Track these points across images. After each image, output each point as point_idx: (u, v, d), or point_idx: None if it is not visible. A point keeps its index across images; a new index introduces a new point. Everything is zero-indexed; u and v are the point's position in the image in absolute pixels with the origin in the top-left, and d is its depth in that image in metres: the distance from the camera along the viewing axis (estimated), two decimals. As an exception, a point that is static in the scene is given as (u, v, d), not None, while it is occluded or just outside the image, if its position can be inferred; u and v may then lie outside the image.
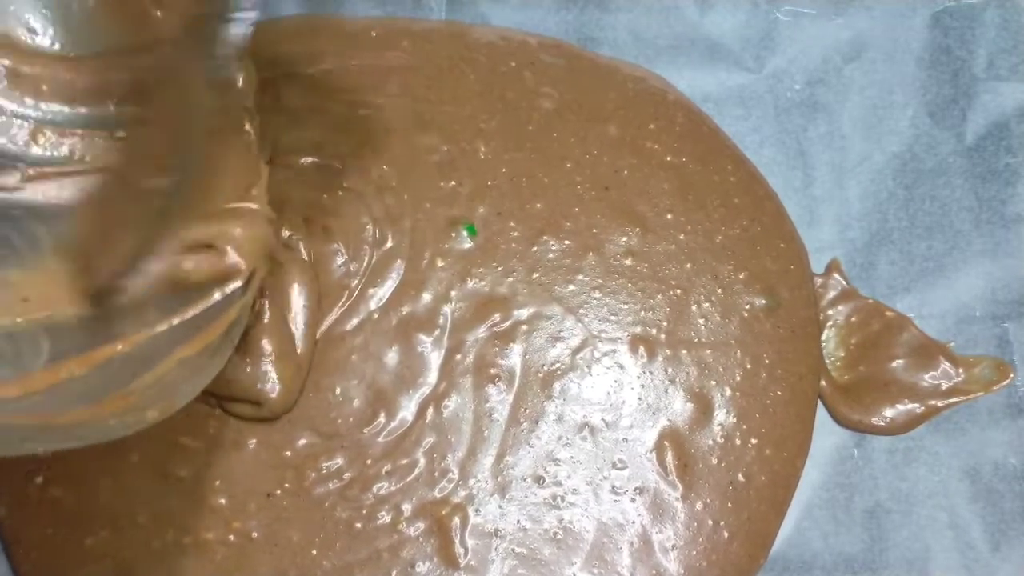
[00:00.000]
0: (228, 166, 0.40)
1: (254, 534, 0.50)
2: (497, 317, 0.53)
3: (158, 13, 0.40)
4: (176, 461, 0.50)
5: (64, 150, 0.38)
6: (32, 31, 0.39)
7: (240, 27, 0.37)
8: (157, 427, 0.45)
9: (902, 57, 0.58)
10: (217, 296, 0.38)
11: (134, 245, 0.37)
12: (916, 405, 0.54)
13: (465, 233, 0.54)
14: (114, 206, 0.39)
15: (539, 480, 0.52)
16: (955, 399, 0.54)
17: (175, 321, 0.36)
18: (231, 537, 0.50)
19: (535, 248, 0.54)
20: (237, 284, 0.38)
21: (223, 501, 0.50)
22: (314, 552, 0.50)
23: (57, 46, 0.39)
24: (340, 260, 0.53)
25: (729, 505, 0.52)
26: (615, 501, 0.52)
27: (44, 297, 0.35)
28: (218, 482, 0.50)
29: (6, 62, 0.37)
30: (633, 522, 0.51)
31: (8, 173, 0.37)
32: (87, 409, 0.32)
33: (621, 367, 0.53)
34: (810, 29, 0.58)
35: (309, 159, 0.54)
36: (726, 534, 0.52)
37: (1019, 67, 0.57)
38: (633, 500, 0.52)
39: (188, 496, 0.50)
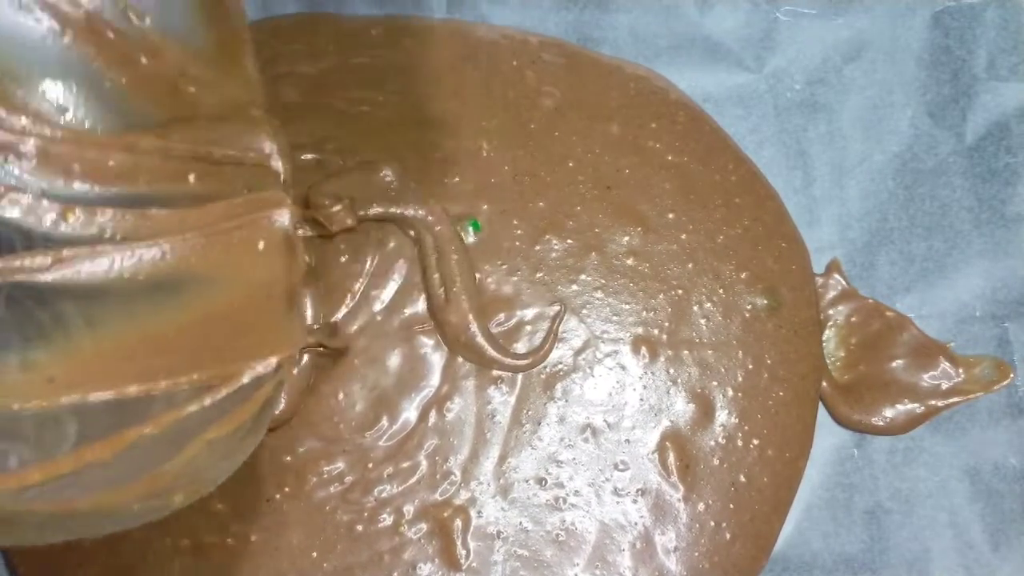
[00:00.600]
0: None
1: (253, 537, 0.49)
2: (502, 317, 0.52)
3: (192, 90, 0.38)
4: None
5: (94, 228, 0.35)
6: (62, 109, 0.37)
7: None
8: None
9: (902, 57, 0.56)
10: (248, 377, 0.34)
11: None
12: (916, 405, 0.52)
13: (470, 229, 0.52)
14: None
15: (541, 482, 0.50)
16: (955, 399, 0.52)
17: (207, 402, 0.32)
18: (230, 541, 0.48)
19: (538, 247, 0.52)
20: (271, 365, 0.35)
21: (221, 506, 0.49)
22: (314, 555, 0.49)
23: (87, 123, 0.37)
24: (342, 261, 0.51)
25: (731, 506, 0.50)
26: (617, 503, 0.50)
27: (72, 378, 0.32)
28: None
29: (37, 141, 0.35)
30: (635, 523, 0.50)
31: (39, 254, 0.35)
32: (111, 493, 0.29)
33: (623, 368, 0.52)
34: (810, 29, 0.56)
35: (310, 155, 0.52)
36: (728, 535, 0.50)
37: (1019, 67, 0.55)
38: (635, 501, 0.50)
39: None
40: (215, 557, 0.48)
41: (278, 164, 0.39)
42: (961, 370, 0.52)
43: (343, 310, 0.51)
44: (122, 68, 0.37)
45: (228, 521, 0.49)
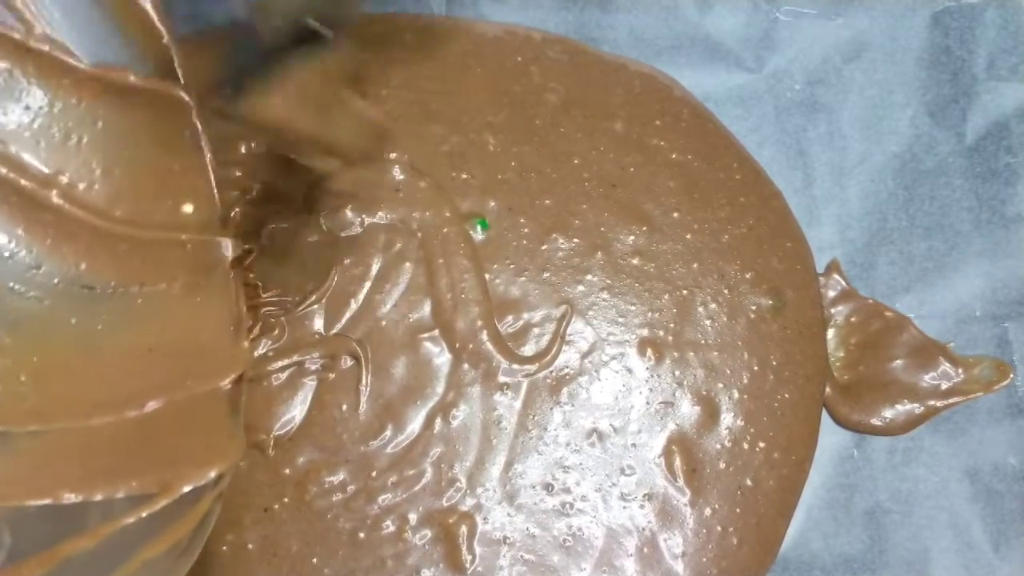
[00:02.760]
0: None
1: (250, 545, 0.44)
2: (510, 319, 0.47)
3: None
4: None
5: None
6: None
7: None
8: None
9: (902, 57, 0.51)
10: (187, 487, 0.30)
11: None
12: (916, 405, 0.48)
13: (478, 227, 0.48)
14: None
15: (548, 487, 0.45)
16: (955, 399, 0.48)
17: (144, 513, 0.29)
18: (224, 548, 0.43)
19: (545, 246, 0.48)
20: (210, 476, 0.31)
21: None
22: (315, 561, 0.44)
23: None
24: (346, 264, 0.46)
25: (738, 510, 0.45)
26: (624, 507, 0.45)
27: (10, 481, 0.28)
28: (207, 499, 0.44)
29: None
30: (642, 528, 0.45)
31: None
32: None
33: (629, 371, 0.47)
34: (810, 29, 0.52)
35: None
36: (735, 540, 0.45)
37: (1019, 67, 0.51)
38: (642, 506, 0.45)
39: (173, 511, 0.43)
40: (210, 563, 0.43)
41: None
42: (961, 370, 0.48)
43: (346, 316, 0.46)
44: None
45: (222, 530, 0.44)
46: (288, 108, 0.35)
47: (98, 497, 0.29)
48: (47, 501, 0.28)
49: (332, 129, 0.37)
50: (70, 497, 0.28)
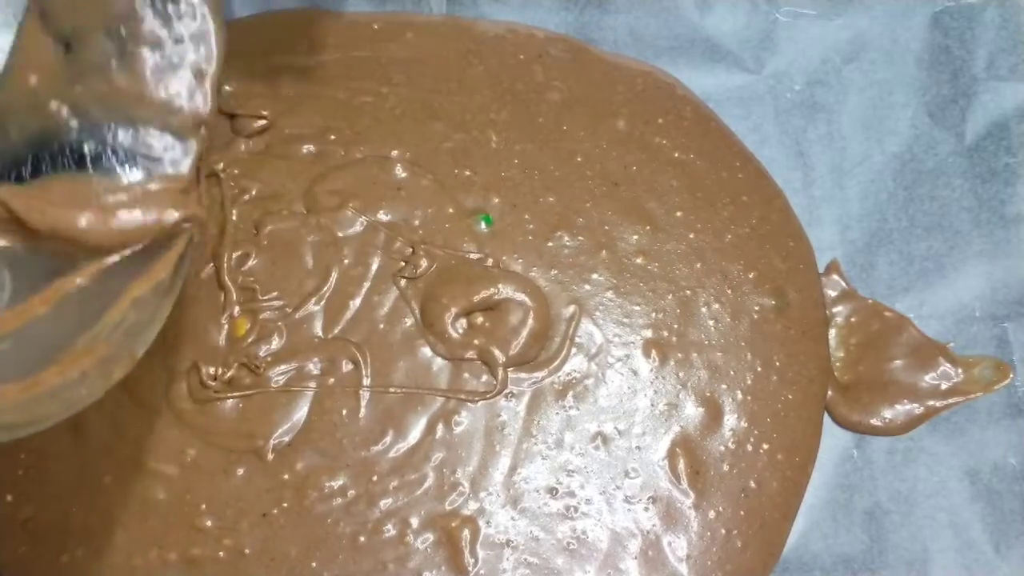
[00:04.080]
0: None
1: (247, 550, 0.41)
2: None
3: None
4: (151, 485, 0.42)
5: None
6: None
7: None
8: (126, 451, 0.41)
9: (902, 57, 0.50)
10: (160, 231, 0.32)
11: None
12: (915, 405, 0.46)
13: (482, 223, 0.46)
14: None
15: (552, 491, 0.43)
16: (954, 399, 0.46)
17: (127, 252, 0.31)
18: (221, 554, 0.41)
19: (550, 243, 0.45)
20: (175, 217, 0.33)
21: (209, 523, 0.41)
22: (314, 565, 0.41)
23: None
24: (346, 263, 0.44)
25: (742, 513, 0.43)
26: (628, 510, 0.43)
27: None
28: (203, 506, 0.41)
29: None
30: (647, 531, 0.43)
31: None
32: (56, 371, 0.28)
33: (634, 373, 0.44)
34: (810, 29, 0.50)
35: (310, 147, 0.46)
36: (739, 543, 0.43)
37: (1019, 67, 0.49)
38: (646, 509, 0.43)
39: (170, 517, 0.41)
40: (206, 569, 0.41)
41: None
42: (960, 370, 0.46)
43: (346, 317, 0.44)
44: None
45: (219, 535, 0.41)
46: None
47: None
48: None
49: None
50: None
